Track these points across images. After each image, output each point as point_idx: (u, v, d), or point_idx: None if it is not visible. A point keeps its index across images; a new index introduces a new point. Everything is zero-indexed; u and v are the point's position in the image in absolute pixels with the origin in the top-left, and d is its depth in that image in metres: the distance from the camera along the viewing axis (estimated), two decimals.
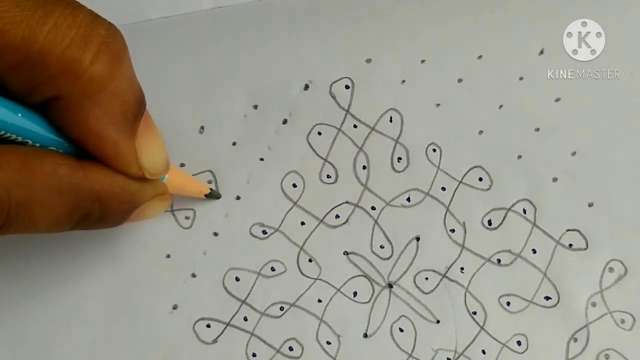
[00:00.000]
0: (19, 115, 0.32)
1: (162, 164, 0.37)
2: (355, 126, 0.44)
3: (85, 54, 0.31)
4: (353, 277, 0.44)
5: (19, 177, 0.31)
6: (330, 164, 0.44)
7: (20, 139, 0.32)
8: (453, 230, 0.43)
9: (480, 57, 0.44)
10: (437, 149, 0.44)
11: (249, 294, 0.43)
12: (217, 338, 0.43)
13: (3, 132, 0.31)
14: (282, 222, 0.44)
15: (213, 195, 0.43)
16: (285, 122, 0.44)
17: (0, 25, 0.30)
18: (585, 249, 0.43)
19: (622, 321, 0.43)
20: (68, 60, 0.31)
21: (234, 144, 0.44)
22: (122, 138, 0.34)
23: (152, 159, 0.36)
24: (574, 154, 0.43)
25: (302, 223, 0.44)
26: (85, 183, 0.33)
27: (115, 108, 0.33)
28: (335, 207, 0.44)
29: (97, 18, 0.32)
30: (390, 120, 0.44)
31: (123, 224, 0.38)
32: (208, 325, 0.43)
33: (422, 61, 0.44)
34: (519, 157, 0.44)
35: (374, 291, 0.43)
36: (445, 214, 0.44)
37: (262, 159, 0.44)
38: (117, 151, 0.34)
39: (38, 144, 0.33)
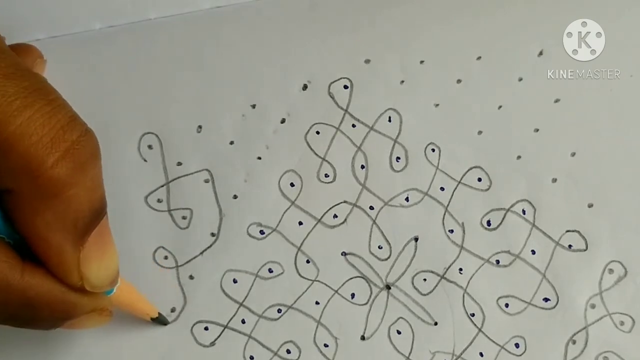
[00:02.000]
0: None
1: (106, 279, 0.36)
2: (353, 126, 0.44)
3: (49, 155, 0.31)
4: (351, 278, 0.43)
5: None
6: (329, 163, 0.44)
7: None
8: (452, 231, 0.43)
9: (479, 57, 0.44)
10: (436, 149, 0.44)
11: (246, 296, 0.43)
12: (214, 341, 0.43)
13: None
14: (279, 221, 0.44)
15: (160, 320, 0.43)
16: (283, 121, 0.44)
17: None
18: (584, 250, 0.43)
19: (622, 323, 0.43)
20: (30, 157, 0.30)
21: (231, 143, 0.44)
22: (68, 246, 0.33)
23: (96, 273, 0.35)
24: (573, 154, 0.43)
25: (300, 223, 0.44)
26: (19, 286, 0.33)
27: (67, 215, 0.32)
28: (334, 206, 0.44)
29: (74, 121, 0.32)
30: (389, 120, 0.44)
31: (55, 329, 0.37)
32: (206, 328, 0.43)
33: (421, 62, 0.44)
34: (519, 157, 0.44)
35: (371, 293, 0.43)
36: (444, 214, 0.44)
37: (259, 158, 0.44)
38: (60, 259, 0.33)
39: None
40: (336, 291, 0.43)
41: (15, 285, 0.32)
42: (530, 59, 0.44)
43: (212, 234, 0.44)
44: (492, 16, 0.44)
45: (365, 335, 0.43)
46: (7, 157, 0.30)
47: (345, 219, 0.44)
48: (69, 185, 0.31)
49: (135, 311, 0.42)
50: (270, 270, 0.43)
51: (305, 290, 0.43)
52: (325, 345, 0.43)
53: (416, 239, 0.43)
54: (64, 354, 0.43)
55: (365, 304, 0.43)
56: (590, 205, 0.43)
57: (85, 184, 0.32)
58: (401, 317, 0.43)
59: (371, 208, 0.44)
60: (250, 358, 0.43)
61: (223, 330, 0.43)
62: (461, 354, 0.43)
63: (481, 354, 0.43)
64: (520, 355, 0.43)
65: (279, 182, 0.44)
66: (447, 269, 0.43)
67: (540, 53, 0.44)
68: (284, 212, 0.44)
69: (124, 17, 0.44)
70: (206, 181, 0.44)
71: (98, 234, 0.34)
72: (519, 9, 0.44)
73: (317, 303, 0.43)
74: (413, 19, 0.44)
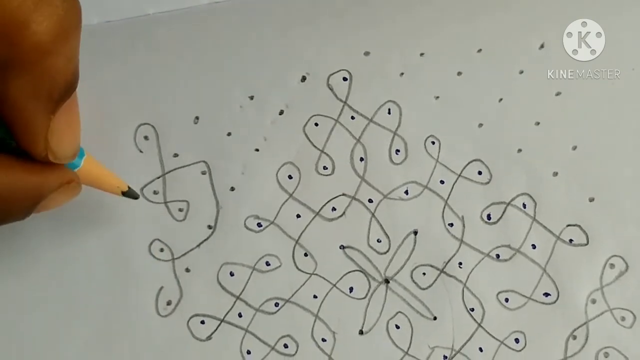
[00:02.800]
0: None
1: (70, 151, 0.36)
2: (352, 118, 0.44)
3: (33, 20, 0.30)
4: (349, 272, 0.43)
5: None
6: (327, 155, 0.44)
7: None
8: (451, 225, 0.43)
9: (480, 50, 0.44)
10: (436, 142, 0.44)
11: (243, 290, 0.43)
12: (211, 335, 0.43)
13: None
14: (277, 214, 0.44)
15: (130, 194, 0.42)
16: (281, 113, 0.44)
17: None
18: (585, 244, 0.43)
19: (623, 318, 0.43)
20: (13, 21, 0.30)
21: (229, 134, 0.44)
22: (39, 115, 0.33)
23: (61, 143, 0.35)
24: (574, 148, 0.43)
25: (298, 215, 0.43)
26: None
27: (44, 84, 0.32)
28: (332, 199, 0.44)
29: None
30: (389, 113, 0.44)
31: (29, 216, 0.37)
32: (202, 322, 0.43)
33: (421, 54, 0.44)
34: (519, 150, 0.43)
35: (370, 287, 0.43)
36: (444, 207, 0.44)
37: (257, 150, 0.44)
38: (29, 127, 0.33)
39: None
40: (334, 285, 0.43)
41: None
42: (531, 51, 0.44)
43: (209, 227, 0.43)
44: (493, 8, 0.44)
45: (364, 330, 0.43)
46: None
47: (344, 212, 0.44)
48: (49, 53, 0.31)
49: (104, 185, 0.41)
50: (268, 264, 0.43)
51: (303, 284, 0.43)
52: (323, 340, 0.43)
53: (415, 233, 0.43)
54: (64, 353, 0.43)
55: (364, 298, 0.43)
56: (591, 200, 0.43)
57: (66, 53, 0.32)
58: (400, 312, 0.43)
59: (370, 201, 0.43)
60: (247, 352, 0.43)
61: (219, 324, 0.43)
62: (460, 349, 0.43)
63: (481, 349, 0.43)
64: (520, 350, 0.43)
65: (277, 174, 0.44)
66: (447, 263, 0.43)
67: (542, 46, 0.44)
68: (282, 205, 0.44)
69: (121, 12, 0.44)
70: (203, 173, 0.43)
71: (68, 106, 0.34)
72: (519, 9, 0.44)
73: (315, 297, 0.43)
74: (413, 11, 0.44)
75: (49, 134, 0.34)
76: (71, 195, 0.38)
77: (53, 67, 0.32)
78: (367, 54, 0.44)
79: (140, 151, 0.43)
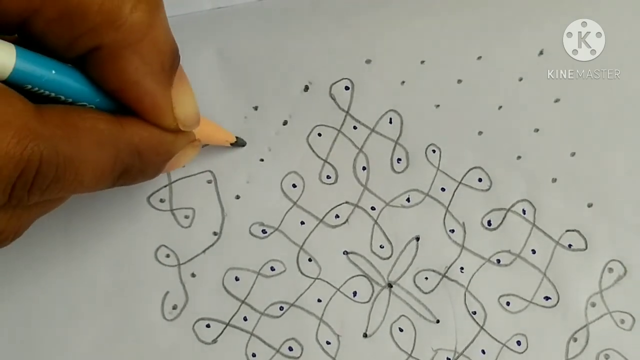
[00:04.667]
0: (53, 72, 0.32)
1: (195, 115, 0.37)
2: (355, 127, 0.44)
3: (125, 3, 0.31)
4: (353, 276, 0.44)
5: (64, 133, 0.31)
6: (330, 164, 0.44)
7: (53, 94, 0.32)
8: (453, 231, 0.44)
9: (479, 57, 0.44)
10: (437, 150, 0.44)
11: (248, 294, 0.43)
12: (216, 338, 0.43)
13: (37, 88, 0.31)
14: (281, 221, 0.44)
15: (239, 143, 0.44)
16: (285, 123, 0.44)
17: None
18: (584, 249, 0.43)
19: (622, 321, 0.43)
20: (108, 9, 0.31)
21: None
22: (160, 89, 0.34)
23: (186, 110, 0.36)
24: (573, 154, 0.43)
25: (302, 222, 0.44)
26: (124, 136, 0.33)
27: (154, 58, 0.33)
28: (335, 207, 0.44)
29: None
30: (390, 122, 0.44)
31: (159, 174, 0.38)
32: (208, 325, 0.43)
33: (422, 62, 0.44)
34: (519, 157, 0.44)
35: (373, 291, 0.44)
36: (445, 214, 0.44)
37: (262, 160, 0.44)
38: (154, 102, 0.34)
39: (71, 99, 0.33)
40: (338, 289, 0.44)
41: (121, 137, 0.33)
42: (530, 58, 0.44)
43: (215, 233, 0.44)
44: (492, 16, 0.44)
45: (368, 333, 0.43)
46: (85, 18, 0.31)
47: (347, 219, 0.44)
48: (149, 27, 0.32)
49: (216, 140, 0.43)
50: (272, 269, 0.44)
51: (307, 288, 0.44)
52: (328, 343, 0.43)
53: (417, 239, 0.44)
54: (70, 356, 0.43)
55: (367, 302, 0.44)
56: (590, 205, 0.43)
57: (163, 24, 0.33)
58: (403, 315, 0.44)
59: (372, 208, 0.44)
60: (252, 355, 0.43)
61: (225, 328, 0.43)
62: (463, 351, 0.43)
63: (483, 352, 0.43)
64: (522, 352, 0.43)
65: (281, 183, 0.44)
66: (449, 268, 0.43)
67: (541, 53, 0.44)
68: (286, 212, 0.44)
69: None
70: (209, 182, 0.44)
71: (179, 74, 0.35)
72: (519, 8, 0.44)
73: (319, 301, 0.44)
74: (413, 19, 0.44)
75: (174, 105, 0.35)
76: (194, 153, 0.40)
77: (157, 39, 0.33)
78: (368, 62, 0.44)
79: None
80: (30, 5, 0.30)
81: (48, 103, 0.32)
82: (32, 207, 0.33)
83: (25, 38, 0.31)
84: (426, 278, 0.44)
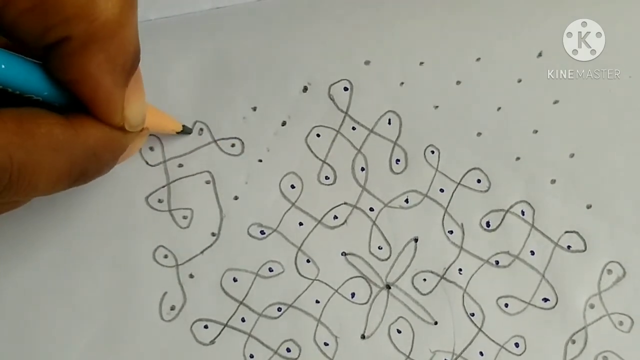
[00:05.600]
0: (2, 66, 0.31)
1: (142, 117, 0.37)
2: (353, 128, 0.44)
3: None
4: (351, 278, 0.44)
5: (18, 139, 0.31)
6: (329, 165, 0.44)
7: (1, 87, 0.32)
8: (451, 232, 0.44)
9: (478, 59, 0.44)
10: (436, 151, 0.44)
11: (246, 295, 0.43)
12: (214, 339, 0.43)
13: None
14: (280, 222, 0.44)
15: (185, 131, 0.44)
16: (284, 124, 0.44)
17: None
18: (583, 250, 0.43)
19: (621, 323, 0.43)
20: (84, 2, 0.31)
21: (232, 145, 0.44)
22: (116, 87, 0.34)
23: (135, 112, 0.35)
24: (572, 155, 0.43)
25: (300, 223, 0.44)
26: (78, 140, 0.33)
27: (118, 57, 0.33)
28: (334, 208, 0.44)
29: None
30: (389, 123, 0.44)
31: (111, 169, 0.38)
32: (206, 326, 0.43)
33: (421, 63, 0.44)
34: (517, 158, 0.44)
35: (371, 292, 0.44)
36: (444, 215, 0.44)
37: (260, 160, 0.44)
38: (108, 99, 0.34)
39: (18, 91, 0.32)
40: (336, 290, 0.44)
41: (76, 141, 0.33)
42: (529, 60, 0.44)
43: (213, 234, 0.44)
44: (491, 17, 0.44)
45: (366, 334, 0.43)
46: (60, 9, 0.30)
47: (346, 220, 0.44)
48: (121, 26, 0.32)
49: (163, 129, 0.43)
50: (271, 270, 0.44)
51: (306, 289, 0.44)
52: (326, 344, 0.43)
53: (416, 240, 0.44)
54: (69, 357, 0.43)
55: (366, 303, 0.44)
56: (589, 207, 0.43)
57: (133, 24, 0.33)
58: (401, 317, 0.43)
59: (371, 209, 0.44)
60: (250, 356, 0.43)
61: (223, 329, 0.43)
62: (461, 353, 0.43)
63: (481, 353, 0.43)
64: (520, 354, 0.43)
65: (280, 183, 0.44)
66: (447, 269, 0.43)
67: (540, 54, 0.44)
68: (285, 213, 0.44)
69: None
70: (207, 182, 0.44)
71: (136, 75, 0.35)
72: (519, 9, 0.44)
73: (317, 302, 0.44)
74: (412, 20, 0.44)
75: (125, 104, 0.35)
76: (142, 142, 0.40)
77: (125, 39, 0.33)
78: (367, 63, 0.44)
79: (146, 162, 0.44)
80: None
81: None
82: None
83: None
84: (424, 279, 0.44)
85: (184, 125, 0.43)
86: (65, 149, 0.33)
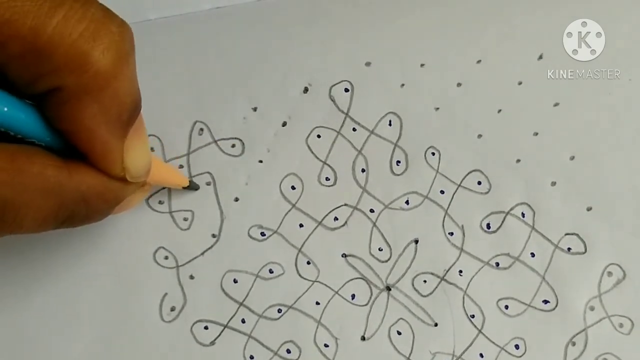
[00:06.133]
0: (5, 109, 0.31)
1: (144, 169, 0.37)
2: (354, 129, 0.44)
3: (94, 49, 0.31)
4: (351, 279, 0.44)
5: (7, 177, 0.31)
6: (329, 166, 0.44)
7: (2, 129, 0.32)
8: (452, 234, 0.44)
9: (479, 61, 0.44)
10: (436, 153, 0.44)
11: (246, 296, 0.43)
12: (214, 340, 0.43)
13: None
14: (280, 224, 0.44)
15: (191, 187, 0.44)
16: (284, 124, 0.44)
17: (7, 15, 0.29)
18: (583, 252, 0.43)
19: (621, 325, 0.43)
20: (76, 53, 0.30)
21: (233, 146, 0.44)
22: (113, 138, 0.33)
23: (135, 162, 0.35)
24: (572, 158, 0.43)
25: (301, 225, 0.44)
26: (70, 184, 0.33)
27: (113, 108, 0.32)
28: (334, 209, 0.44)
29: (109, 14, 0.32)
30: (390, 124, 0.44)
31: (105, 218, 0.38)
32: (206, 327, 0.43)
33: (422, 65, 0.44)
34: (518, 161, 0.44)
35: (372, 294, 0.44)
36: (444, 217, 0.44)
37: (260, 161, 0.44)
38: (105, 151, 0.34)
39: (20, 135, 0.32)
40: (336, 292, 0.43)
41: (67, 185, 0.33)
42: (530, 62, 0.44)
43: (213, 235, 0.44)
44: (492, 19, 0.44)
45: (366, 336, 0.43)
46: (51, 58, 0.30)
47: (346, 222, 0.44)
48: (114, 77, 0.32)
49: (168, 184, 0.43)
50: (271, 271, 0.44)
51: (306, 291, 0.44)
52: (326, 345, 0.43)
53: (416, 242, 0.44)
54: (69, 358, 0.43)
55: (366, 304, 0.44)
56: (589, 209, 0.43)
57: (128, 75, 0.33)
58: (401, 318, 0.43)
59: (372, 211, 0.44)
60: (250, 357, 0.43)
61: (223, 330, 0.43)
62: (461, 354, 0.43)
63: (481, 355, 0.43)
64: (521, 356, 0.43)
65: (280, 185, 0.44)
66: (447, 271, 0.43)
67: (540, 57, 0.44)
68: (285, 215, 0.44)
69: (123, 17, 0.43)
70: (207, 184, 0.44)
71: (136, 126, 0.35)
72: (519, 10, 0.44)
73: (317, 303, 0.43)
74: (413, 22, 0.44)
75: (125, 156, 0.34)
76: (143, 196, 0.40)
77: (119, 90, 0.32)
78: (368, 64, 0.44)
79: None
80: None
81: None
82: None
83: None
84: (425, 281, 0.43)
85: (190, 181, 0.43)
86: (55, 191, 0.32)
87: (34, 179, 0.32)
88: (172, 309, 0.43)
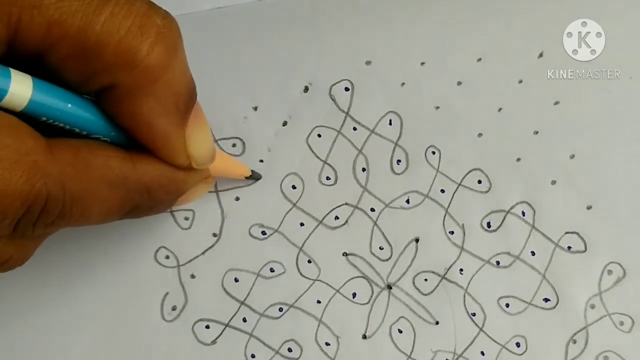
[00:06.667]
0: (69, 105, 0.32)
1: (209, 154, 0.37)
2: (354, 129, 0.44)
3: (142, 44, 0.31)
4: (352, 278, 0.44)
5: (73, 170, 0.31)
6: (330, 166, 0.44)
7: (68, 127, 0.32)
8: (452, 232, 0.44)
9: (479, 59, 0.44)
10: (437, 152, 0.44)
11: (248, 295, 0.43)
12: (216, 339, 0.43)
13: (52, 120, 0.31)
14: (281, 223, 0.44)
15: (254, 177, 0.44)
16: (285, 124, 0.44)
17: (56, 15, 0.30)
18: (584, 251, 0.43)
19: (621, 323, 0.43)
20: (124, 49, 0.31)
21: (233, 145, 0.44)
22: (173, 129, 0.34)
23: (200, 149, 0.36)
24: (572, 156, 0.43)
25: (302, 224, 0.44)
26: (134, 175, 0.34)
27: (168, 99, 0.33)
28: (335, 208, 0.44)
29: (153, 7, 0.32)
30: (390, 123, 0.44)
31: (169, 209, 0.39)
32: (207, 326, 0.43)
33: (422, 63, 0.44)
34: (518, 159, 0.44)
35: (373, 292, 0.44)
36: (445, 216, 0.44)
37: (261, 161, 0.44)
38: (167, 142, 0.34)
39: (85, 132, 0.33)
40: (337, 290, 0.44)
41: (132, 176, 0.33)
42: (530, 61, 0.44)
43: (214, 234, 0.44)
44: (492, 18, 0.44)
45: (367, 334, 0.43)
46: (101, 56, 0.31)
47: (347, 221, 0.44)
48: (165, 69, 0.32)
49: (231, 175, 0.43)
50: (272, 270, 0.44)
51: (307, 290, 0.44)
52: (327, 344, 0.43)
53: (417, 240, 0.44)
54: (70, 358, 0.43)
55: (367, 303, 0.44)
56: (589, 207, 0.43)
57: (179, 65, 0.33)
58: (402, 317, 0.43)
59: (372, 210, 0.44)
60: (251, 356, 0.43)
61: (224, 329, 0.43)
62: (462, 352, 0.43)
63: (482, 353, 0.43)
64: (522, 354, 0.43)
65: (281, 184, 0.44)
66: (448, 270, 0.43)
67: (540, 55, 0.44)
68: (286, 214, 0.44)
69: None
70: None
71: (195, 113, 0.35)
72: (519, 10, 0.44)
73: (318, 302, 0.44)
74: (414, 20, 0.44)
75: (187, 144, 0.35)
76: (206, 189, 0.41)
77: (172, 81, 0.33)
78: (368, 63, 0.44)
79: None
80: (46, 41, 0.30)
81: (61, 134, 0.32)
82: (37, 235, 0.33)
83: (41, 70, 0.31)
84: (425, 279, 0.44)
85: (252, 171, 0.43)
86: (119, 183, 0.33)
87: (98, 172, 0.32)
88: (174, 308, 0.43)
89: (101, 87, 0.32)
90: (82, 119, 0.32)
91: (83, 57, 0.31)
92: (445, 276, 0.43)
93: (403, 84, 0.44)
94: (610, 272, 0.43)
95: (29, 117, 0.30)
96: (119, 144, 0.34)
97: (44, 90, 0.31)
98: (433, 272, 0.44)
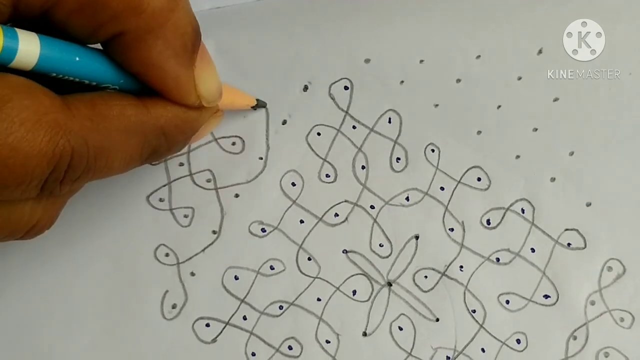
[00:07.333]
0: (77, 59, 0.32)
1: (217, 91, 0.37)
2: (354, 127, 0.44)
3: None
4: (352, 275, 0.44)
5: (92, 124, 0.31)
6: (330, 163, 0.44)
7: (78, 79, 0.32)
8: (452, 229, 0.44)
9: (478, 57, 0.44)
10: (436, 149, 0.44)
11: (248, 293, 0.44)
12: (216, 337, 0.43)
13: (62, 74, 0.32)
14: (281, 220, 0.44)
15: (260, 105, 0.44)
16: (284, 122, 0.44)
17: None
18: (583, 248, 0.43)
19: (622, 319, 0.43)
20: None
21: (233, 144, 0.44)
22: (182, 70, 0.34)
23: (209, 88, 0.36)
24: (572, 153, 0.43)
25: (301, 221, 0.44)
26: (150, 120, 0.34)
27: (176, 40, 0.33)
28: (334, 205, 0.44)
29: None
30: (389, 121, 0.44)
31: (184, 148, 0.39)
32: (207, 325, 0.43)
33: (421, 61, 0.44)
34: (517, 157, 0.44)
35: (373, 289, 0.44)
36: (444, 213, 0.44)
37: (261, 158, 0.44)
38: (178, 83, 0.34)
39: (95, 83, 0.33)
40: (337, 288, 0.44)
41: (148, 121, 0.34)
42: (529, 58, 0.44)
43: (214, 232, 0.44)
44: (491, 15, 0.44)
45: (367, 332, 0.43)
46: (108, 6, 0.31)
47: (347, 218, 0.44)
48: (171, 12, 0.32)
49: (238, 106, 0.43)
50: (272, 268, 0.44)
51: (307, 287, 0.44)
52: (327, 342, 0.43)
53: (417, 237, 0.44)
54: (70, 356, 0.43)
55: (367, 300, 0.44)
56: (588, 204, 0.43)
57: (184, 6, 0.33)
58: (403, 314, 0.44)
59: (372, 207, 0.44)
60: (252, 354, 0.43)
61: (224, 327, 0.43)
62: (463, 349, 0.43)
63: (483, 350, 0.43)
64: (522, 350, 0.43)
65: (281, 181, 0.44)
66: (448, 267, 0.44)
67: (540, 52, 0.44)
68: (285, 211, 0.44)
69: None
70: (208, 181, 0.44)
71: (201, 53, 0.35)
72: (519, 8, 0.44)
73: (318, 300, 0.44)
74: (412, 18, 0.44)
75: (197, 83, 0.35)
76: (216, 123, 0.41)
77: (178, 22, 0.33)
78: (367, 61, 0.44)
79: None
80: None
81: (71, 90, 0.32)
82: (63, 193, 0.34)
83: (47, 27, 0.32)
84: (425, 277, 0.44)
85: (257, 100, 0.44)
86: (137, 129, 0.34)
87: (116, 122, 0.33)
88: (174, 306, 0.43)
89: (109, 37, 0.32)
90: (91, 69, 0.33)
91: (89, 9, 0.31)
92: (446, 273, 0.44)
93: (402, 81, 0.44)
94: (610, 268, 0.43)
95: (38, 75, 0.31)
96: (128, 91, 0.34)
97: (51, 45, 0.31)
98: (433, 269, 0.44)
